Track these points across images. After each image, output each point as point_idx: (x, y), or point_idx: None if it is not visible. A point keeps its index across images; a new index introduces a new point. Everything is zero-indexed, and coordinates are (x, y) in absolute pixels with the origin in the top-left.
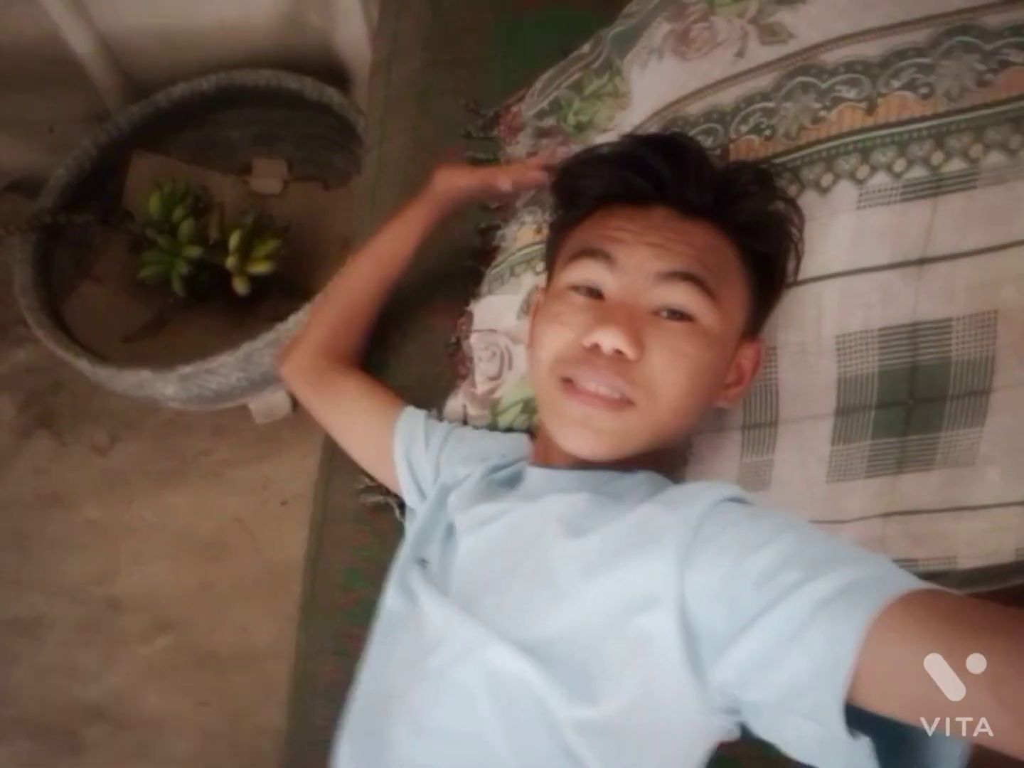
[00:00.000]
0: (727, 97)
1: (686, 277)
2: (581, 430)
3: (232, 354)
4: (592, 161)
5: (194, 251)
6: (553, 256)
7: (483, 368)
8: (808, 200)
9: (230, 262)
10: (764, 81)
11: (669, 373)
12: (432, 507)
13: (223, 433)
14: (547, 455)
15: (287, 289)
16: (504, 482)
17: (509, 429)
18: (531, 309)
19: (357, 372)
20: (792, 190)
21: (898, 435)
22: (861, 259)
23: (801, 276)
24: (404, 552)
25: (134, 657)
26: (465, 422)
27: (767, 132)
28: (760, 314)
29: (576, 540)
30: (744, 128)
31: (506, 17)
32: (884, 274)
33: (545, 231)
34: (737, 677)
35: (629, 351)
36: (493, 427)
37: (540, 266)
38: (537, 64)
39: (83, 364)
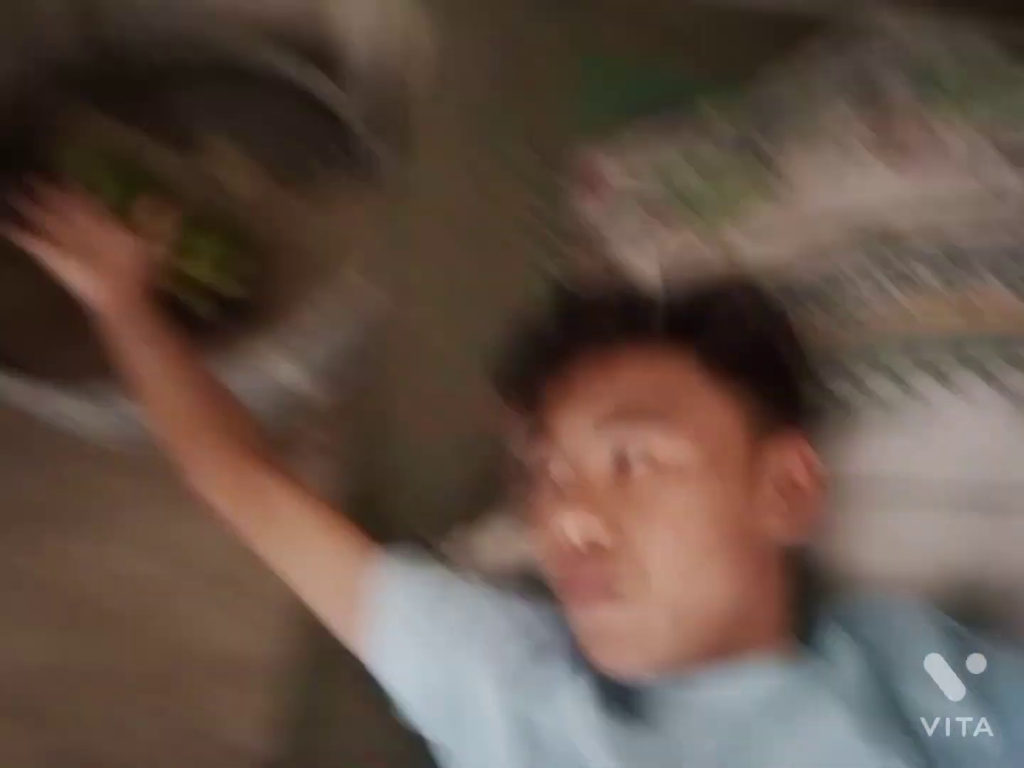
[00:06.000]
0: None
1: (619, 415)
2: (601, 642)
3: None
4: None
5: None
6: None
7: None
8: None
9: (203, 274)
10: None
11: (656, 541)
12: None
13: (146, 474)
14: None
15: (240, 319)
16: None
17: None
18: None
19: (295, 483)
20: None
21: None
22: None
23: None
24: None
25: None
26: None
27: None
28: (780, 403)
29: None
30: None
31: (594, 60)
32: None
33: None
34: None
35: (596, 533)
36: None
37: None
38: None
39: None
